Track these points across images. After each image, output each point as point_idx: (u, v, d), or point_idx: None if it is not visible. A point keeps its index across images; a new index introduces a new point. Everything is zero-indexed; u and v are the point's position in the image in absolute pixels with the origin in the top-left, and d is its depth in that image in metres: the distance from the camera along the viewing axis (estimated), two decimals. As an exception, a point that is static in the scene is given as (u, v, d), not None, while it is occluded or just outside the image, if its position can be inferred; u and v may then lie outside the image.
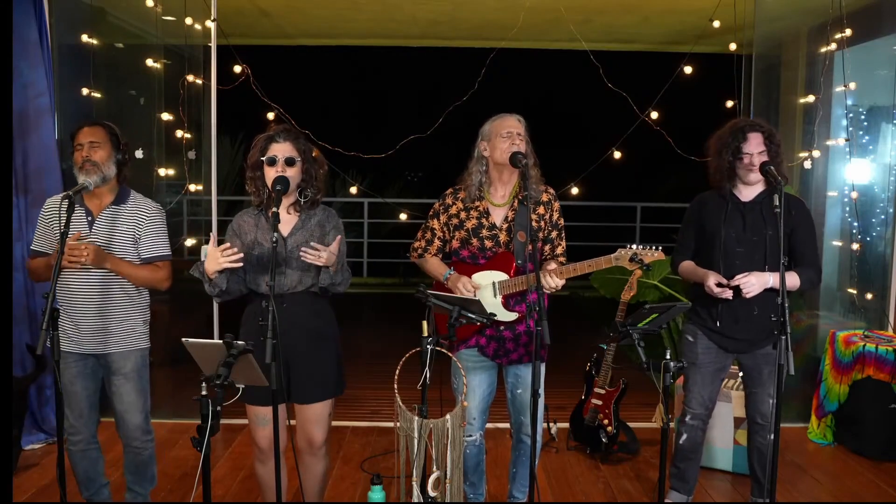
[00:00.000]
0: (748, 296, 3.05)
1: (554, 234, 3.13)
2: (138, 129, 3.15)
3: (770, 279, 3.06)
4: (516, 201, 3.08)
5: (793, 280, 3.10)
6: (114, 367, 3.02)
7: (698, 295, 3.25)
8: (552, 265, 3.01)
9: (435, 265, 3.17)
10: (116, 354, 3.00)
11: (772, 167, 3.01)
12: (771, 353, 3.13)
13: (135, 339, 3.05)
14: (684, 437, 3.36)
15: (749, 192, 3.21)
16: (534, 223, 3.00)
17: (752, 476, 3.43)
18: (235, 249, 2.63)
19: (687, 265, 3.31)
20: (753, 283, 3.03)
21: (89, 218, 2.98)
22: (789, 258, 3.17)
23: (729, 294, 3.08)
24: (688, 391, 3.34)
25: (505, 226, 3.07)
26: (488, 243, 3.06)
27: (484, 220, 3.07)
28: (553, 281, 2.91)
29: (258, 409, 2.81)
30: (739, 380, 3.79)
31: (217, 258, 2.60)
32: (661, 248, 2.94)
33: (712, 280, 3.10)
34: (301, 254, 2.66)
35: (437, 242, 3.17)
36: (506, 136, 2.98)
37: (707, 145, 3.29)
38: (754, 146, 3.10)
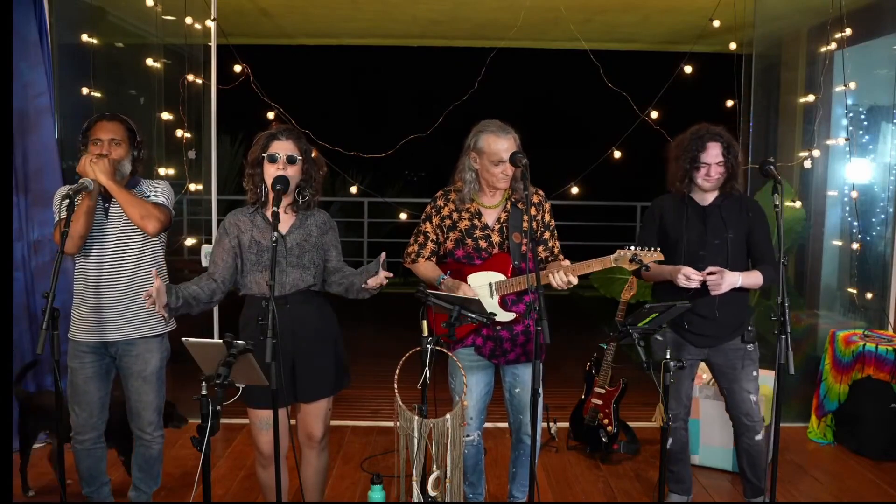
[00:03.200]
0: (714, 293, 3.07)
1: (546, 234, 3.13)
2: (138, 129, 3.15)
3: (739, 279, 3.08)
4: (509, 203, 3.08)
5: (756, 278, 3.14)
6: (135, 369, 3.01)
7: (664, 296, 3.23)
8: (563, 264, 3.00)
9: (428, 269, 3.16)
10: (139, 344, 3.00)
11: (772, 167, 3.01)
12: (740, 346, 3.19)
13: (158, 321, 3.05)
14: (670, 440, 3.35)
15: (707, 196, 3.24)
16: (525, 224, 3.00)
17: (742, 477, 3.43)
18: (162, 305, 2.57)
19: (652, 266, 3.31)
20: (720, 282, 3.05)
21: (106, 205, 2.99)
22: (750, 257, 3.23)
23: (699, 281, 3.07)
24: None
25: (497, 226, 3.07)
26: (482, 244, 3.06)
27: (476, 222, 3.07)
28: (565, 277, 2.89)
29: (260, 413, 2.81)
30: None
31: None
32: (659, 249, 2.95)
33: (685, 269, 3.08)
34: (376, 285, 2.70)
35: (430, 246, 3.17)
36: (497, 164, 2.94)
37: (668, 148, 3.29)
38: (712, 157, 3.11)
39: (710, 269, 3.07)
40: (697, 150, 3.12)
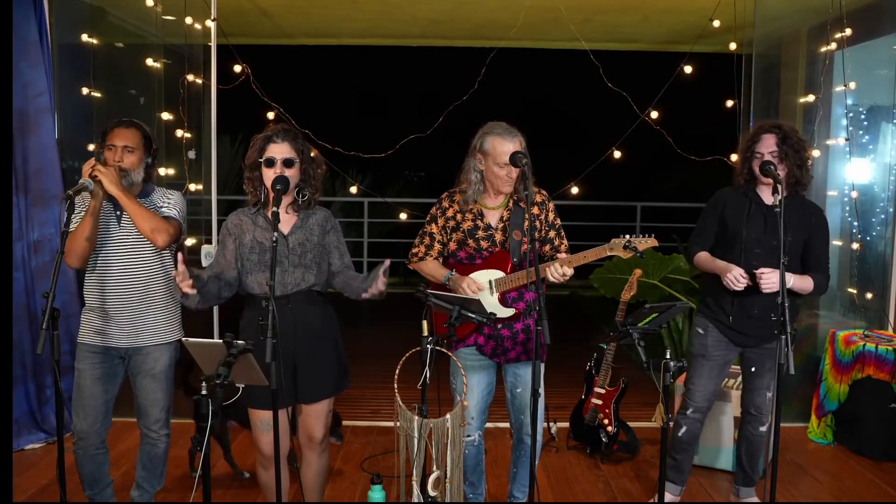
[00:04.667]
0: (766, 291, 3.07)
1: (552, 233, 3.13)
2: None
3: (791, 280, 3.09)
4: (511, 202, 3.09)
5: (807, 283, 3.16)
6: (145, 367, 3.02)
7: (711, 288, 3.28)
8: (559, 257, 3.02)
9: (434, 267, 3.16)
10: (149, 349, 3.00)
11: (771, 167, 3.03)
12: (776, 347, 3.18)
13: (168, 330, 3.05)
14: (683, 429, 3.38)
15: (771, 194, 3.23)
16: (527, 223, 3.01)
17: (738, 466, 3.51)
18: (188, 282, 2.57)
19: (704, 255, 3.32)
20: (774, 280, 3.04)
21: (118, 212, 2.98)
22: (802, 263, 3.22)
23: (744, 285, 3.09)
24: (692, 384, 3.35)
25: (500, 226, 3.08)
26: (484, 244, 3.07)
27: (479, 222, 3.08)
28: (560, 269, 2.91)
29: (261, 414, 2.80)
30: (739, 380, 3.80)
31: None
32: (653, 235, 2.97)
33: (736, 270, 3.11)
34: (379, 291, 2.66)
35: (437, 246, 3.17)
36: (503, 166, 2.95)
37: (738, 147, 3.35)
38: (765, 147, 3.14)
39: (761, 270, 3.07)
40: (754, 141, 3.17)
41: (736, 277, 3.09)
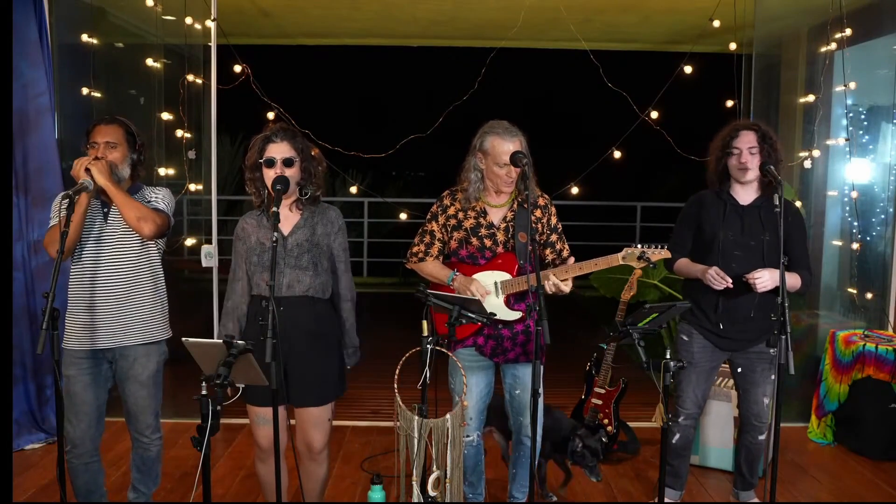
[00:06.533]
0: (762, 290, 3.05)
1: (554, 237, 3.13)
2: (138, 129, 3.15)
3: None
4: (515, 203, 3.08)
5: (795, 280, 3.15)
6: (132, 373, 2.98)
7: (694, 293, 3.25)
8: (567, 264, 3.00)
9: (436, 268, 3.15)
10: (136, 352, 2.97)
11: (772, 167, 3.02)
12: (764, 350, 3.20)
13: (156, 330, 3.03)
14: (677, 436, 3.37)
15: (746, 195, 3.22)
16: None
17: (736, 471, 3.51)
18: None
19: (683, 262, 3.30)
20: (767, 278, 3.04)
21: (105, 210, 2.97)
22: None
23: (727, 284, 3.07)
24: (681, 391, 3.33)
25: (503, 225, 3.07)
26: (487, 242, 3.06)
27: (482, 220, 3.07)
28: (555, 281, 2.90)
29: (258, 409, 2.80)
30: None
31: None
32: (665, 246, 2.95)
33: (713, 268, 3.09)
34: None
35: (437, 245, 3.16)
36: (503, 165, 2.94)
37: (710, 146, 3.31)
38: (745, 143, 3.13)
39: (754, 273, 3.05)
40: (731, 138, 3.15)
41: (713, 275, 3.07)
